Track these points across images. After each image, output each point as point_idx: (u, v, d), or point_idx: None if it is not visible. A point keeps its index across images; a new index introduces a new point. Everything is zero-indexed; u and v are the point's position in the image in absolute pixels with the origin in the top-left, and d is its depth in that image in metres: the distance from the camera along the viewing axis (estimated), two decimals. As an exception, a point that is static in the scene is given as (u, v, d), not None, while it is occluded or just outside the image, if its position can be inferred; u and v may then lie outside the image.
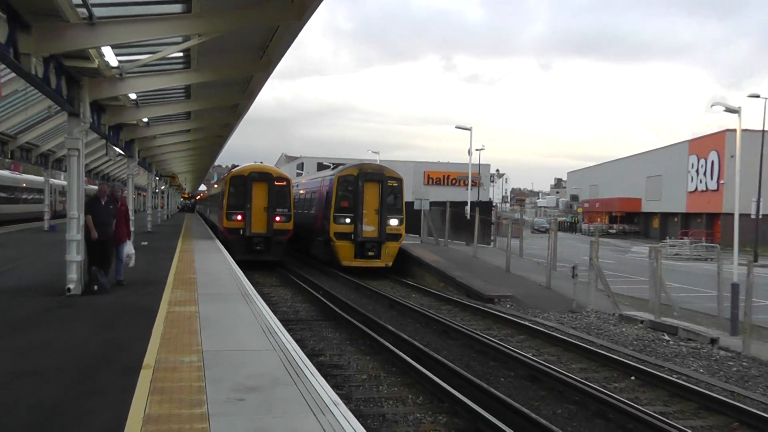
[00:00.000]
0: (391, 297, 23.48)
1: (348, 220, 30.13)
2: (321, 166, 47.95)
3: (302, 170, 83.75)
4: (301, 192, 39.87)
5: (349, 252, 30.25)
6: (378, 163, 34.23)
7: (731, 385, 13.73)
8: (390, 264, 30.98)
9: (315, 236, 34.20)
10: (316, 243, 34.57)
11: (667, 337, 18.15)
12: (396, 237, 31.16)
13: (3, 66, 13.40)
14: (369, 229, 30.13)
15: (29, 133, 30.12)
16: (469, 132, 55.33)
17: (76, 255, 14.90)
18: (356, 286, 26.61)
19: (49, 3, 11.58)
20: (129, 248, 16.98)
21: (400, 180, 31.80)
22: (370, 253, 30.19)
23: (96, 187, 19.43)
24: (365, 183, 30.39)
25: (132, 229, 19.16)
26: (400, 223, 31.31)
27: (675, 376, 13.91)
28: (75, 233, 15.06)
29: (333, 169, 35.37)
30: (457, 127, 55.63)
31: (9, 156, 31.88)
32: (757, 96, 47.16)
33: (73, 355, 9.47)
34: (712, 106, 32.58)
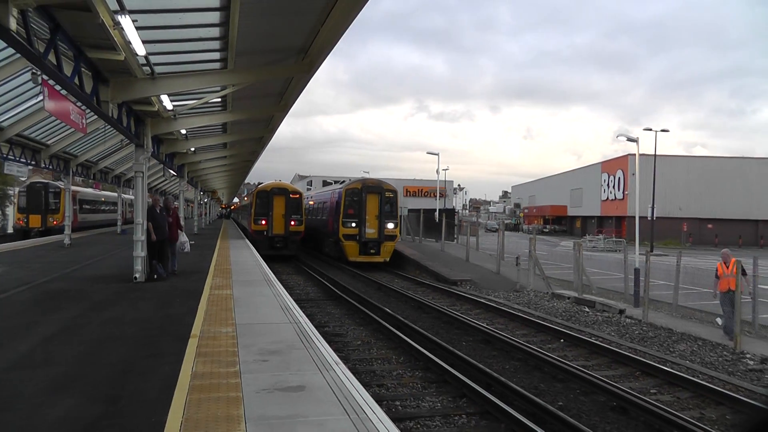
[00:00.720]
0: (379, 282, 23.44)
1: (354, 224, 28.74)
2: (325, 183, 47.71)
3: (311, 186, 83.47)
4: (311, 203, 38.31)
5: (355, 250, 28.98)
6: (376, 178, 31.59)
7: (634, 344, 13.83)
8: (387, 259, 29.78)
9: (327, 237, 32.67)
10: (327, 243, 32.99)
11: (587, 309, 18.22)
12: (392, 237, 29.70)
13: (88, 110, 13.45)
14: (371, 231, 28.84)
15: (107, 160, 30.14)
16: (437, 156, 56.71)
17: (140, 251, 14.93)
18: (353, 273, 26.53)
19: (123, 64, 11.71)
20: (183, 237, 17.15)
21: (395, 192, 30.28)
22: (371, 251, 28.96)
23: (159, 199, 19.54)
24: (367, 194, 28.98)
25: (184, 227, 19.21)
26: (396, 226, 29.77)
27: (593, 338, 13.99)
28: (140, 235, 15.09)
29: (340, 184, 33.66)
30: (428, 153, 56.90)
31: (92, 177, 32.15)
32: (650, 129, 48.15)
33: (139, 327, 9.48)
34: (617, 136, 33.70)
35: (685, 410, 9.24)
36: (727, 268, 14.87)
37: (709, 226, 67.19)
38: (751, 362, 12.37)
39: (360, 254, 28.99)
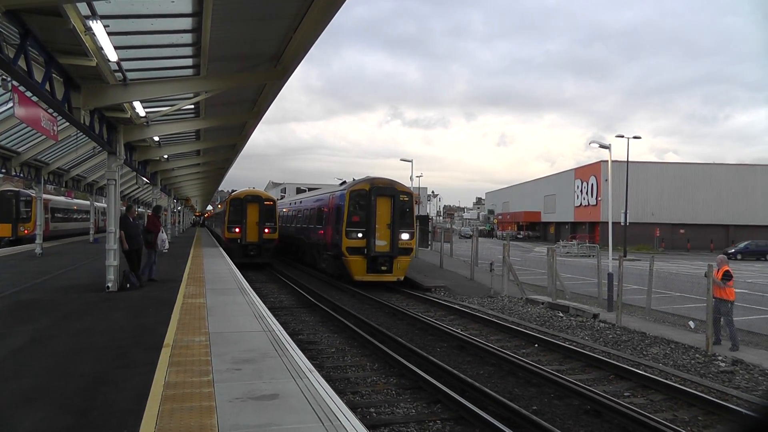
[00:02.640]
0: (353, 289, 23.29)
1: (360, 235, 23.40)
2: (299, 190, 46.84)
3: (285, 193, 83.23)
4: (287, 209, 35.86)
5: (362, 267, 23.50)
6: (387, 178, 25.28)
7: (608, 347, 13.97)
8: (402, 278, 24.17)
9: (324, 251, 27.05)
10: (325, 258, 27.16)
11: (561, 314, 18.38)
12: (407, 251, 24.28)
13: (59, 117, 13.32)
14: (381, 243, 23.51)
15: (79, 168, 29.87)
16: (410, 163, 57.27)
17: (113, 260, 14.77)
18: (327, 281, 26.27)
19: (94, 70, 11.64)
20: (162, 235, 17.20)
21: (410, 194, 24.73)
22: (382, 268, 23.50)
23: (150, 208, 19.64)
24: (377, 198, 23.64)
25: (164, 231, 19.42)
26: (411, 237, 24.33)
27: (567, 342, 14.11)
28: (112, 244, 14.94)
29: (342, 184, 27.32)
30: (402, 160, 56.88)
31: (64, 185, 31.77)
32: (622, 136, 48.83)
33: (111, 337, 9.38)
34: (590, 143, 33.83)
35: (658, 412, 9.37)
36: (717, 274, 14.75)
37: (681, 231, 68.35)
38: (723, 364, 12.59)
39: (368, 272, 23.57)
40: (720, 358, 13.05)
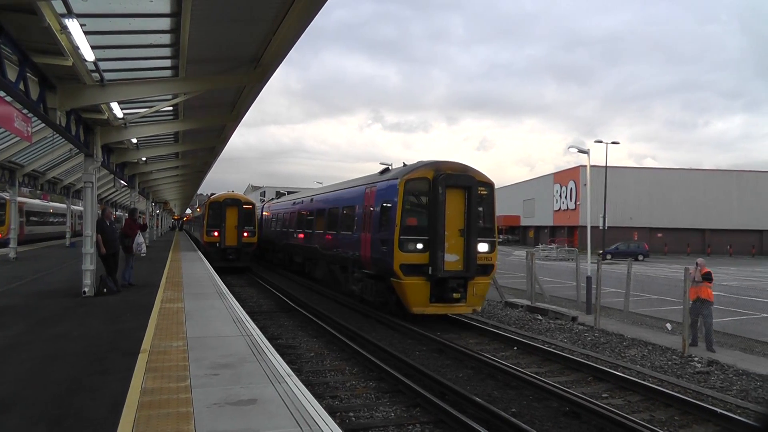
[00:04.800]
0: (334, 293, 22.91)
1: (421, 246, 15.87)
2: (279, 194, 45.42)
3: (264, 197, 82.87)
4: (312, 208, 26.26)
5: (423, 293, 15.87)
6: (459, 163, 17.29)
7: (587, 350, 14.09)
8: (479, 309, 17.08)
9: (356, 268, 19.30)
10: (358, 278, 19.26)
11: (540, 317, 18.49)
12: (487, 269, 16.69)
13: (34, 117, 13.13)
14: (452, 258, 15.97)
15: (55, 170, 29.35)
16: (389, 166, 56.16)
17: (89, 265, 14.62)
18: (309, 285, 26.01)
19: (71, 70, 11.46)
20: (140, 239, 17.03)
21: (491, 186, 17.29)
22: (453, 294, 15.86)
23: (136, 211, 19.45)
24: (447, 189, 15.97)
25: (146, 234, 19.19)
26: (492, 248, 16.81)
27: (546, 345, 14.18)
28: (89, 248, 14.77)
29: (384, 172, 19.16)
30: (381, 164, 56.56)
31: (40, 188, 31.30)
32: (601, 141, 49.59)
33: (87, 343, 9.26)
34: (569, 148, 33.75)
35: (636, 413, 9.48)
36: (697, 275, 14.89)
37: (659, 235, 69.24)
38: (699, 365, 12.76)
39: (432, 301, 16.04)
40: (696, 359, 13.23)
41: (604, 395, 10.48)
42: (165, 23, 10.62)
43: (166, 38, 11.36)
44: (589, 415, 9.02)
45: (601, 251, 42.41)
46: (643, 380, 11.17)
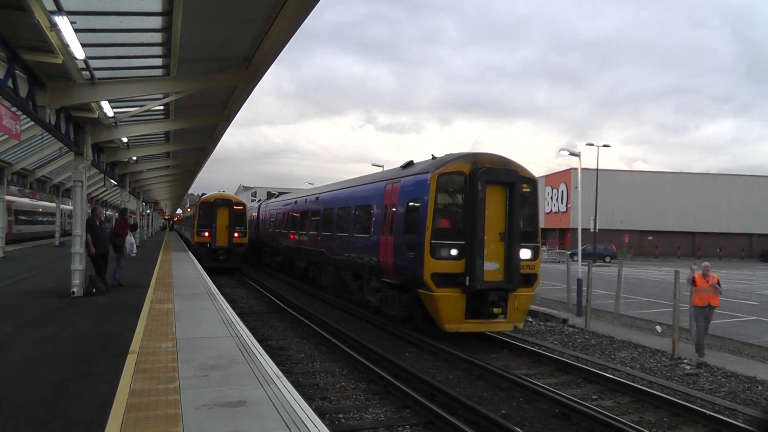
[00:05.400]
0: (323, 294, 22.82)
1: (455, 252, 13.67)
2: (270, 194, 44.35)
3: (256, 197, 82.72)
4: (317, 208, 23.88)
5: (458, 308, 13.64)
6: (499, 155, 14.79)
7: (577, 352, 14.14)
8: (521, 326, 14.68)
9: (374, 276, 16.86)
10: (375, 287, 16.93)
11: (530, 320, 18.50)
12: (530, 280, 14.38)
13: (23, 115, 13.05)
14: (492, 267, 13.74)
15: (44, 169, 29.23)
16: (381, 168, 56.46)
17: (79, 265, 14.56)
18: (299, 286, 25.97)
19: (60, 67, 11.37)
20: (130, 239, 16.94)
21: (534, 182, 15.04)
22: (495, 310, 13.65)
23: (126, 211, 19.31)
24: (487, 186, 13.69)
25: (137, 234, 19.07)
26: (536, 255, 14.54)
27: (537, 347, 14.20)
28: (78, 247, 14.69)
29: (407, 166, 16.55)
30: (372, 165, 56.63)
31: (29, 187, 31.11)
32: (592, 144, 49.45)
33: (76, 344, 9.21)
34: (560, 150, 33.70)
35: (625, 414, 9.51)
36: (707, 282, 14.35)
37: (649, 237, 69.58)
38: (688, 367, 12.82)
39: (469, 316, 13.77)
40: (686, 361, 13.28)
41: (593, 397, 10.51)
42: (156, 22, 10.56)
43: (157, 37, 11.31)
44: (579, 416, 9.04)
45: (570, 252, 42.55)
46: (633, 382, 11.20)
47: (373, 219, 17.08)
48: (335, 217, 20.92)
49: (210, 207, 31.61)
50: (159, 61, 12.95)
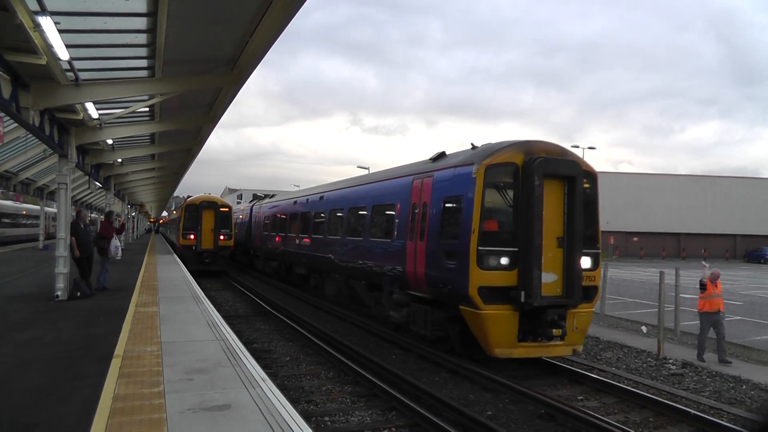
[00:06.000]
0: (309, 297, 22.75)
1: (506, 261, 11.49)
2: (255, 196, 43.78)
3: (241, 200, 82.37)
4: (324, 209, 21.09)
5: (510, 329, 11.40)
6: (555, 144, 12.50)
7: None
8: (580, 349, 12.42)
9: (393, 286, 14.67)
10: (401, 301, 14.36)
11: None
12: (591, 293, 12.35)
13: (6, 117, 12.93)
14: (549, 279, 11.54)
15: (28, 171, 29.03)
16: (367, 170, 56.73)
17: (63, 268, 14.43)
18: (285, 288, 25.96)
19: (44, 68, 11.27)
20: (115, 242, 16.86)
21: (595, 177, 12.80)
22: (555, 331, 11.30)
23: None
24: (545, 180, 11.52)
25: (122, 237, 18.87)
26: (596, 263, 12.44)
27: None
28: (62, 250, 14.57)
29: (439, 158, 14.07)
30: (358, 167, 56.86)
31: (12, 189, 30.90)
32: (578, 146, 49.91)
33: (59, 348, 9.13)
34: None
35: (611, 414, 9.57)
36: (716, 287, 14.06)
37: (635, 239, 70.02)
38: (673, 367, 12.92)
39: (522, 339, 11.50)
40: (671, 361, 13.38)
41: (579, 397, 10.56)
42: (141, 23, 10.52)
43: (142, 38, 11.26)
44: (565, 417, 9.08)
45: None
46: (619, 382, 11.28)
47: (396, 221, 14.68)
48: (345, 218, 18.60)
49: (195, 209, 31.51)
50: (144, 63, 12.91)
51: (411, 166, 15.56)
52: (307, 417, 6.74)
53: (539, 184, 11.30)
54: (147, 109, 17.08)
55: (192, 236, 30.93)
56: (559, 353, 12.10)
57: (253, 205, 36.67)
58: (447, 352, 12.93)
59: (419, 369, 12.23)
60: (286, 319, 17.01)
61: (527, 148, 11.87)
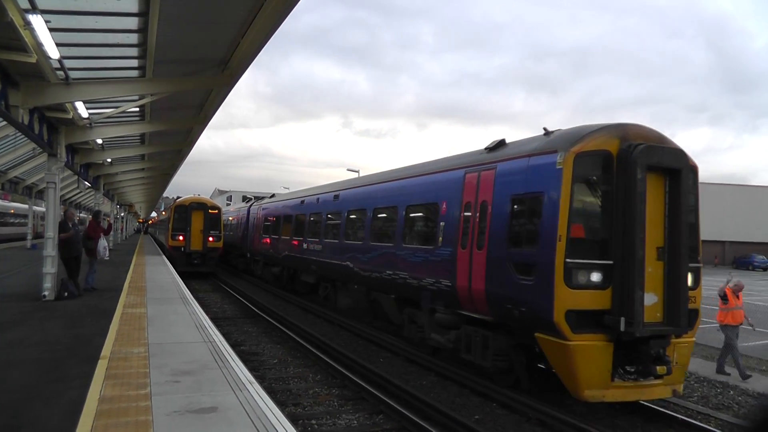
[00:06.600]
0: (299, 300, 22.72)
1: (598, 277, 9.03)
2: (245, 198, 42.80)
3: (231, 201, 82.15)
4: (340, 205, 18.68)
5: (604, 364, 8.97)
6: (645, 126, 9.89)
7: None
8: (681, 389, 9.86)
9: (437, 303, 12.31)
10: (447, 322, 12.03)
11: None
12: (692, 318, 9.62)
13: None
14: (649, 300, 9.05)
15: (17, 169, 28.80)
16: (357, 173, 56.62)
17: (50, 268, 14.35)
18: (272, 291, 25.85)
19: (34, 67, 11.23)
20: (103, 242, 16.78)
21: (697, 171, 10.12)
22: (659, 369, 9.01)
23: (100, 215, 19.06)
24: (647, 175, 9.10)
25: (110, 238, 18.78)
26: (697, 280, 9.93)
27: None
28: (50, 250, 14.49)
29: (497, 147, 11.56)
30: (348, 170, 56.94)
31: (1, 188, 30.49)
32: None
33: (45, 349, 9.06)
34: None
35: (599, 420, 9.56)
36: (738, 299, 13.37)
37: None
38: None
39: (614, 377, 9.14)
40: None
41: (567, 402, 10.56)
42: (132, 23, 10.49)
43: (133, 38, 11.23)
44: (553, 421, 9.09)
45: None
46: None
47: (442, 223, 12.21)
48: (369, 220, 16.06)
49: (185, 210, 31.40)
50: (135, 63, 12.87)
51: (458, 157, 13.03)
52: (294, 420, 6.74)
53: (642, 179, 9.03)
54: (137, 109, 17.02)
55: (181, 237, 30.83)
56: (658, 395, 9.69)
57: (251, 206, 34.24)
58: (509, 386, 10.67)
59: (407, 372, 12.23)
60: (274, 322, 16.98)
61: (623, 132, 9.57)
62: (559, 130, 10.43)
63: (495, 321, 10.56)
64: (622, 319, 8.73)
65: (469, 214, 11.30)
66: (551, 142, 9.98)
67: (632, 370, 9.36)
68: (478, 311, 10.90)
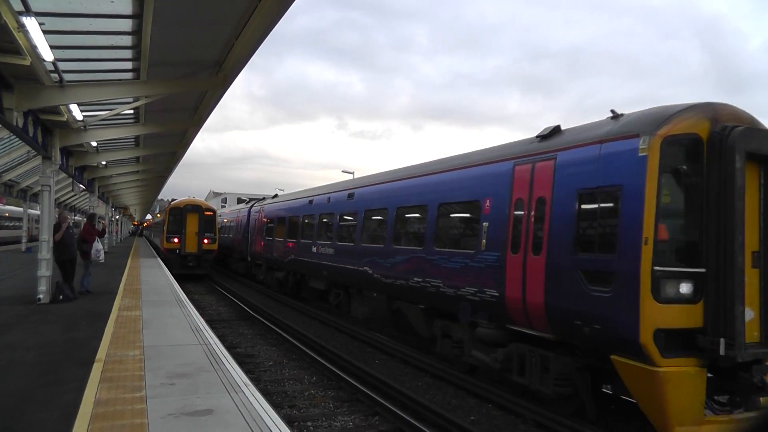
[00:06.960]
0: (291, 303, 22.60)
1: (688, 288, 7.47)
2: (240, 200, 42.31)
3: (226, 203, 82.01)
4: (356, 204, 16.89)
5: (697, 395, 7.37)
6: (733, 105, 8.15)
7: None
8: None
9: (480, 316, 10.55)
10: (492, 338, 10.32)
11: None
12: None
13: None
14: (749, 316, 7.37)
15: (12, 172, 28.64)
16: (352, 175, 56.62)
17: (45, 271, 14.33)
18: (267, 293, 25.81)
19: (28, 69, 11.21)
20: (98, 245, 16.76)
21: None
22: (763, 399, 7.51)
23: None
24: (747, 164, 7.42)
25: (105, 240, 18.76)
26: None
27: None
28: (45, 253, 14.47)
29: (550, 135, 9.88)
30: (343, 171, 56.96)
31: (-5, 191, 30.41)
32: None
33: (40, 352, 9.06)
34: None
35: (595, 422, 9.56)
36: None
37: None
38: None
39: (708, 407, 7.79)
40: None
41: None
42: (126, 25, 10.49)
43: (127, 40, 11.22)
44: (549, 422, 9.10)
45: None
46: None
47: (486, 224, 10.55)
48: (391, 221, 14.30)
49: (180, 213, 31.37)
50: (129, 65, 12.86)
51: (503, 147, 11.32)
52: (289, 422, 6.75)
53: (741, 168, 7.43)
54: (132, 111, 17.00)
55: (176, 240, 30.79)
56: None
57: (252, 207, 32.41)
58: (573, 414, 9.24)
59: (402, 374, 12.22)
60: (269, 324, 16.97)
61: (714, 112, 8.00)
62: (631, 113, 8.80)
63: (556, 339, 9.11)
64: (722, 341, 7.26)
65: (521, 212, 9.71)
66: (629, 124, 8.36)
67: (724, 401, 8.00)
68: (534, 327, 9.36)
